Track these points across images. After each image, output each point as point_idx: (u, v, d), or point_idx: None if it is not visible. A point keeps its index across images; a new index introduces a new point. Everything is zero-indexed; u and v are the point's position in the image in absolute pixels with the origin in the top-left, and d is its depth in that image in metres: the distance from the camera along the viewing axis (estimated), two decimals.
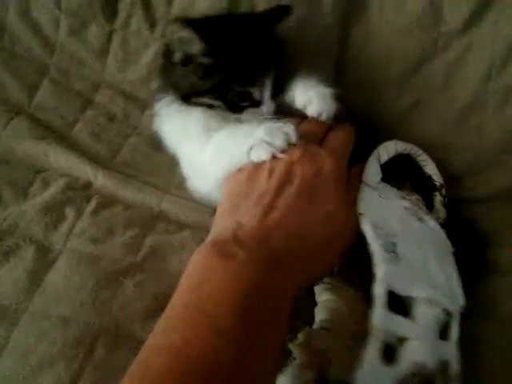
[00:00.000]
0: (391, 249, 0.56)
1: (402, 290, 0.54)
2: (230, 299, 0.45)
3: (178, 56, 0.62)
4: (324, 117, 0.60)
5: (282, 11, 0.66)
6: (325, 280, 0.60)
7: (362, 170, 0.62)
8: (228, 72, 0.61)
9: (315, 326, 0.58)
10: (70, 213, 0.72)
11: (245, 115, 0.62)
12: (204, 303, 0.45)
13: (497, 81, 0.70)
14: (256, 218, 0.52)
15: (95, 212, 0.72)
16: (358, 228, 0.57)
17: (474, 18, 0.70)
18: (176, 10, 0.80)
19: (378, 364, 0.49)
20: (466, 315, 0.55)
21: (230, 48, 0.61)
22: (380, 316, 0.51)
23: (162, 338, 0.44)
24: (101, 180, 0.76)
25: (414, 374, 0.51)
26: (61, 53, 0.87)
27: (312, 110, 0.61)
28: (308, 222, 0.54)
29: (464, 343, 0.53)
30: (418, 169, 0.68)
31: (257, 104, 0.62)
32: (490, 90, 0.71)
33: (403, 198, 0.62)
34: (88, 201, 0.74)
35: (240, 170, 0.59)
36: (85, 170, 0.77)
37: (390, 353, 0.51)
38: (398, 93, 0.74)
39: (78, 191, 0.75)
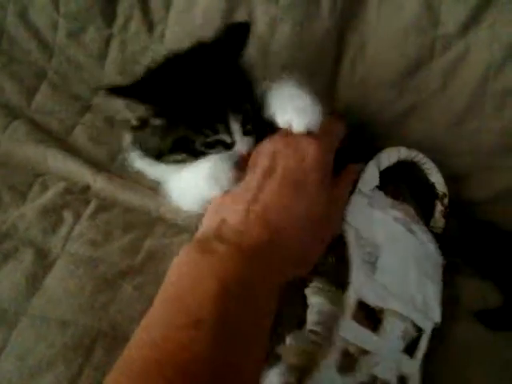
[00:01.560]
0: (371, 260, 0.57)
1: (373, 301, 0.56)
2: (208, 290, 0.45)
3: (133, 121, 0.58)
4: (312, 130, 0.56)
5: (240, 32, 0.59)
6: (314, 284, 0.60)
7: (359, 174, 0.62)
8: (185, 125, 0.56)
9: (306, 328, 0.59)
10: (68, 216, 0.71)
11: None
12: (183, 296, 0.45)
13: (494, 83, 0.70)
14: (239, 214, 0.52)
15: (94, 215, 0.72)
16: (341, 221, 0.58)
17: (471, 21, 0.70)
18: (174, 13, 0.80)
19: (334, 372, 0.51)
20: None
21: (179, 101, 0.55)
22: (346, 327, 0.53)
23: (143, 333, 0.45)
24: (100, 183, 0.76)
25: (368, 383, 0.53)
26: (59, 56, 0.87)
27: (297, 129, 0.56)
28: (291, 212, 0.54)
29: None
30: (422, 176, 0.69)
31: (228, 146, 0.58)
32: (488, 93, 0.71)
33: (394, 207, 0.62)
34: (87, 204, 0.73)
35: None
36: (84, 174, 0.77)
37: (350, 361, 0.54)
38: (396, 95, 0.74)
39: (77, 195, 0.75)
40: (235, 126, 0.57)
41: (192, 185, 0.58)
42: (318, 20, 0.74)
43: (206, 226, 0.55)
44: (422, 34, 0.72)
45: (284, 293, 0.53)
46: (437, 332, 0.60)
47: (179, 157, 0.58)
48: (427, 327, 0.58)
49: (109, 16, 0.84)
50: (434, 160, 0.68)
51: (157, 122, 0.56)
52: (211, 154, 0.57)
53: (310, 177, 0.56)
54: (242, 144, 0.58)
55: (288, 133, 0.58)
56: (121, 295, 0.63)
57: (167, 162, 0.59)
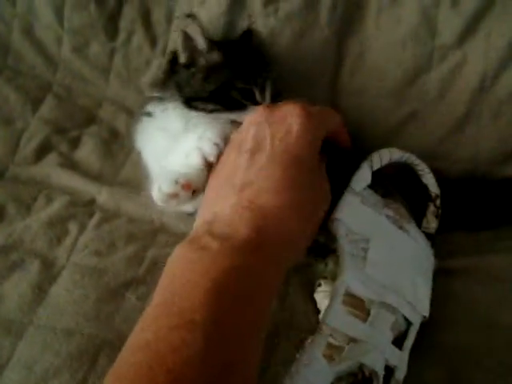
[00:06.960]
0: (361, 254, 0.57)
1: (363, 293, 0.56)
2: (201, 290, 0.43)
3: (183, 57, 0.67)
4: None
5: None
6: (322, 288, 0.61)
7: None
8: (232, 68, 0.65)
9: None
10: (73, 227, 0.72)
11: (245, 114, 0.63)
12: (176, 297, 0.44)
13: (490, 92, 0.71)
14: (229, 204, 0.51)
15: (98, 226, 0.72)
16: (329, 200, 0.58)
17: (467, 32, 0.71)
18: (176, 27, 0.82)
19: (321, 360, 0.51)
20: None
21: (232, 47, 0.68)
22: (333, 315, 0.53)
23: (136, 336, 0.44)
24: (104, 195, 0.77)
25: (355, 373, 0.53)
26: (64, 70, 0.89)
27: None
28: (284, 188, 0.52)
29: None
30: (416, 177, 0.69)
31: (256, 103, 0.64)
32: (485, 101, 0.72)
33: (386, 206, 0.63)
34: (91, 216, 0.74)
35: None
36: (88, 188, 0.78)
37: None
38: (395, 104, 0.75)
39: (81, 207, 0.76)
40: (268, 87, 0.65)
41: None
42: (316, 30, 0.74)
43: (199, 222, 0.54)
44: (420, 45, 0.73)
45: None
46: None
47: (211, 106, 0.64)
48: (416, 320, 0.58)
49: (111, 31, 0.85)
50: (433, 167, 0.69)
51: (212, 56, 0.66)
52: (241, 105, 0.64)
53: (298, 148, 0.54)
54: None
55: (271, 106, 0.59)
56: (125, 305, 0.64)
57: (196, 107, 0.65)
